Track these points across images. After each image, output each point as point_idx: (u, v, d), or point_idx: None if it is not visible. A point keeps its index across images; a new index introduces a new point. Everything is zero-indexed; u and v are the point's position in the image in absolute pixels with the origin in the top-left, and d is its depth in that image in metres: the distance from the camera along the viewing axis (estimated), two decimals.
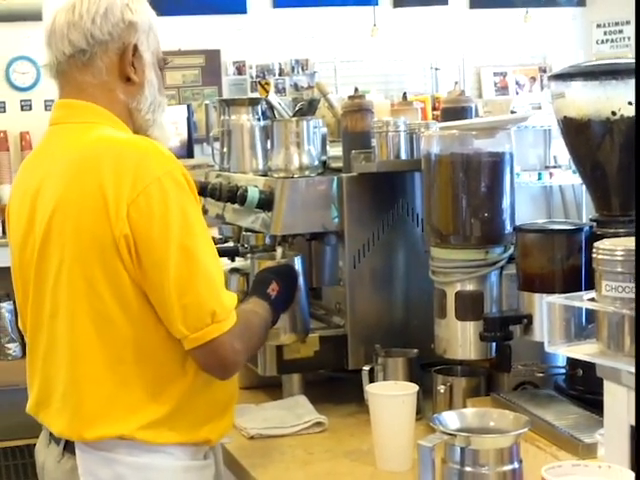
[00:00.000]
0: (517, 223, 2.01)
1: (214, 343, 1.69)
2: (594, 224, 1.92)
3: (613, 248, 1.46)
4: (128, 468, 1.73)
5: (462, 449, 1.49)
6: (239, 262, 2.47)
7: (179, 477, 1.77)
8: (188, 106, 6.68)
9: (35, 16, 6.07)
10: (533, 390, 2.03)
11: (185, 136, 6.54)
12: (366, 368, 2.15)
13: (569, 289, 1.76)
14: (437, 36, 7.34)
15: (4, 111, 6.53)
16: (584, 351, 1.54)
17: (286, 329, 2.12)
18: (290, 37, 7.07)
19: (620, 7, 6.93)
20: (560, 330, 1.72)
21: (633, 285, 1.38)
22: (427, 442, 1.50)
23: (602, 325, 1.49)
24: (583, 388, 1.90)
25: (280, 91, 6.97)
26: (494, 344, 2.00)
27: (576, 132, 1.92)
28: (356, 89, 2.41)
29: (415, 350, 2.20)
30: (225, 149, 2.61)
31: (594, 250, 1.49)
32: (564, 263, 1.88)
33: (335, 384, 2.40)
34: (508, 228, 2.01)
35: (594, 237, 1.82)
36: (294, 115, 2.58)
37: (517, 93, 7.53)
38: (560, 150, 6.94)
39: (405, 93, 3.12)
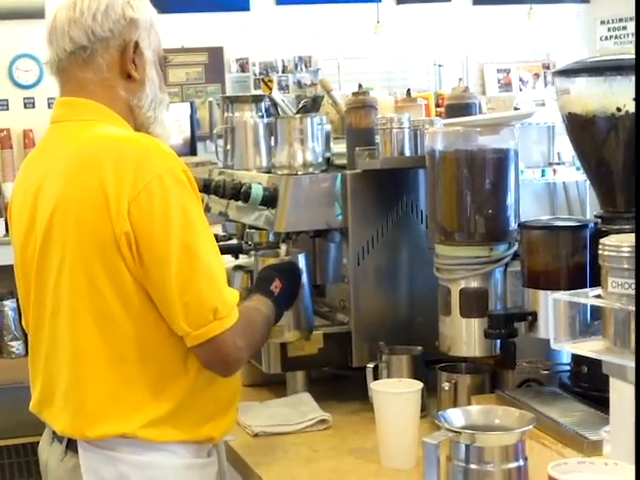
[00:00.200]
0: (521, 220, 2.01)
1: (216, 340, 1.69)
2: (599, 221, 1.91)
3: (619, 244, 1.45)
4: (131, 466, 1.73)
5: (467, 446, 1.49)
6: (243, 259, 2.47)
7: (182, 475, 1.77)
8: (191, 103, 6.68)
9: (38, 14, 6.07)
10: (538, 387, 2.03)
11: (188, 133, 6.55)
12: (370, 365, 2.15)
13: (574, 286, 1.76)
14: (440, 33, 7.35)
15: (7, 109, 6.54)
16: (590, 348, 1.54)
17: (290, 326, 2.12)
18: (293, 34, 7.08)
19: (624, 3, 6.91)
20: (565, 327, 1.72)
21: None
22: (432, 439, 1.49)
23: (608, 322, 1.48)
24: (588, 385, 1.90)
25: (283, 88, 6.98)
26: (499, 341, 1.99)
27: (581, 128, 1.91)
28: (360, 85, 2.40)
29: (419, 347, 2.19)
30: (229, 146, 2.61)
31: (600, 246, 1.49)
32: (569, 260, 1.87)
33: (339, 381, 2.40)
34: (513, 225, 2.00)
35: (599, 234, 1.81)
36: (298, 112, 2.57)
37: (520, 90, 7.52)
38: (564, 147, 6.92)
39: (409, 90, 3.12)
